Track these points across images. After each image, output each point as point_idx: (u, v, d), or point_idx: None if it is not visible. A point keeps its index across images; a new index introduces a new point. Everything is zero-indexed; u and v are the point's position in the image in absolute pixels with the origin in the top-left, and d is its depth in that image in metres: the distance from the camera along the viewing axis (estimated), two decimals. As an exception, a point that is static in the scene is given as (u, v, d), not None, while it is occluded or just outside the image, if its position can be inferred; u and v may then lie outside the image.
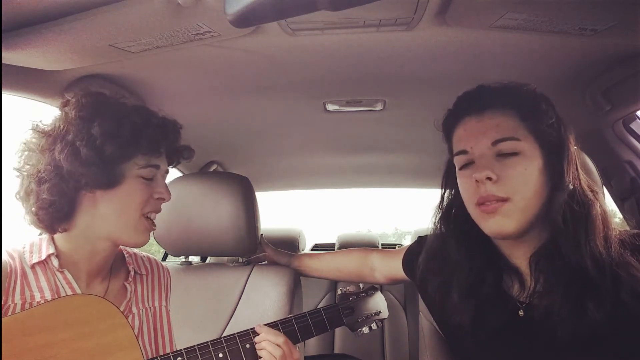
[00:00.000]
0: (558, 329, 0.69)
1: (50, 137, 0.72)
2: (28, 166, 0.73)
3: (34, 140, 0.73)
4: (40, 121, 0.74)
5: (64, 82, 0.94)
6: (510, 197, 0.71)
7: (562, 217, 0.70)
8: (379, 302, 1.04)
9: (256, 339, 0.83)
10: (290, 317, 0.89)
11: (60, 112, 0.75)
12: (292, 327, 0.88)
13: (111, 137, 0.71)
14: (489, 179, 0.71)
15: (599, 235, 0.70)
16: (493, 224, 0.72)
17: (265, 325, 0.86)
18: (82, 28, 0.71)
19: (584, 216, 0.70)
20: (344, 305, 0.98)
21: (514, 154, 0.72)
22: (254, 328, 0.84)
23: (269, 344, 0.82)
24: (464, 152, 0.76)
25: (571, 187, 0.71)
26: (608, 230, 0.71)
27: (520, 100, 0.74)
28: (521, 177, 0.71)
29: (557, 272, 0.71)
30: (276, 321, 0.88)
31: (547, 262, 0.72)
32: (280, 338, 0.83)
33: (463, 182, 0.77)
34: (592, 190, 0.73)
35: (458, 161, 0.78)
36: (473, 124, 0.75)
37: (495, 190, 0.71)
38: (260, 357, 0.82)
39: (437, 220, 0.85)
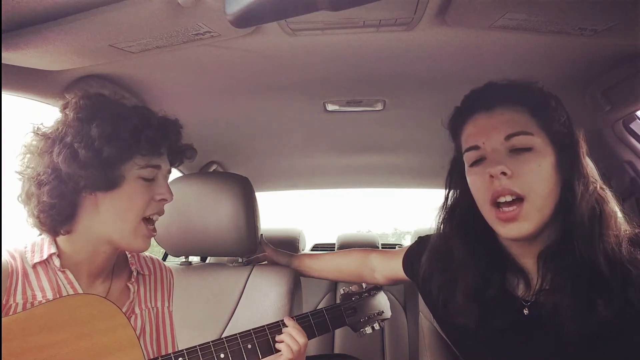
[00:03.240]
0: (565, 327, 0.68)
1: (49, 140, 0.71)
2: (29, 169, 0.72)
3: (34, 143, 0.73)
4: (42, 123, 0.74)
5: (64, 82, 0.94)
6: (526, 196, 0.69)
7: (579, 213, 0.69)
8: (381, 302, 1.04)
9: (284, 330, 0.87)
10: (293, 317, 0.89)
11: (60, 114, 0.75)
12: None
13: (109, 139, 0.71)
14: (504, 173, 0.70)
15: (612, 232, 0.69)
16: (512, 229, 0.71)
17: (267, 325, 0.86)
18: (82, 28, 0.71)
19: (598, 212, 0.70)
20: (346, 306, 0.98)
21: (527, 149, 0.71)
22: (256, 328, 0.84)
23: (291, 339, 0.85)
24: (475, 147, 0.74)
25: (588, 185, 0.71)
26: (618, 229, 0.71)
27: (530, 96, 0.74)
28: (536, 174, 0.70)
29: (566, 270, 0.70)
30: (278, 321, 0.88)
31: (555, 259, 0.72)
32: (302, 338, 0.86)
33: (475, 179, 0.75)
34: (602, 188, 0.73)
35: (469, 158, 0.76)
36: (484, 120, 0.74)
37: (510, 184, 0.69)
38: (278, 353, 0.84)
39: (440, 221, 0.84)
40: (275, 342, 0.85)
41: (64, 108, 0.75)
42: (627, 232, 0.73)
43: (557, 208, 0.72)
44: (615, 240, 0.69)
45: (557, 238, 0.73)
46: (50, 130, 0.73)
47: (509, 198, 0.70)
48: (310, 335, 0.89)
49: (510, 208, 0.70)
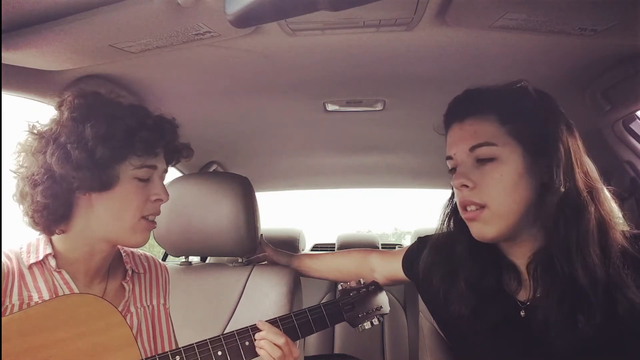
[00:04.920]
0: (555, 337, 0.68)
1: (43, 139, 0.71)
2: (23, 168, 0.72)
3: (28, 141, 0.72)
4: (37, 121, 0.74)
5: (64, 82, 0.94)
6: (487, 204, 0.72)
7: (554, 221, 0.69)
8: (380, 297, 1.03)
9: (256, 336, 0.82)
10: (290, 314, 0.89)
11: (56, 111, 0.74)
12: (291, 324, 0.88)
13: (103, 140, 0.70)
14: (465, 186, 0.73)
15: (592, 243, 0.67)
16: (475, 229, 0.75)
17: (265, 322, 0.85)
18: (82, 28, 0.71)
19: (575, 220, 0.68)
20: (344, 301, 0.98)
21: (491, 159, 0.72)
22: (253, 325, 0.84)
23: (267, 344, 0.82)
24: (449, 157, 0.78)
25: (562, 189, 0.69)
26: (606, 238, 0.69)
27: (501, 103, 0.74)
28: (497, 184, 0.71)
29: (552, 280, 0.70)
30: (275, 318, 0.87)
31: (544, 268, 0.72)
32: (280, 339, 0.82)
33: (453, 185, 0.79)
34: (589, 192, 0.70)
35: (449, 165, 0.80)
36: (456, 131, 0.77)
37: (471, 196, 0.73)
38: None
39: (444, 215, 0.86)
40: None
41: (59, 106, 0.74)
42: (623, 238, 0.70)
43: (532, 212, 0.72)
44: (598, 252, 0.67)
45: (543, 244, 0.73)
46: (45, 129, 0.72)
47: (473, 207, 0.74)
48: (308, 331, 0.89)
49: (473, 210, 0.74)
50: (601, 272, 0.67)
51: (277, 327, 0.86)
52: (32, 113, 0.77)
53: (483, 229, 0.74)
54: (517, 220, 0.72)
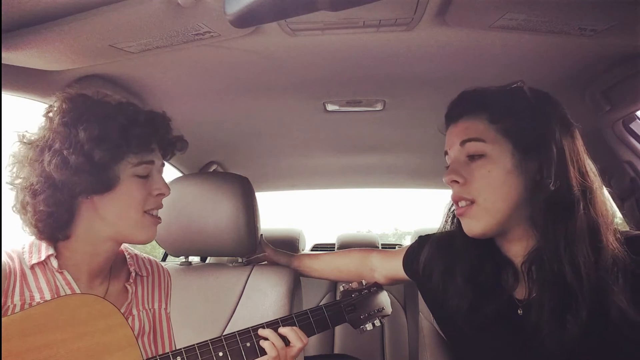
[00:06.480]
0: (546, 336, 0.69)
1: (37, 148, 0.70)
2: (20, 179, 0.72)
3: (21, 152, 0.72)
4: (26, 131, 0.73)
5: (64, 82, 0.94)
6: (475, 199, 0.74)
7: (543, 219, 0.70)
8: (382, 299, 1.04)
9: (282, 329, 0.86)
10: (292, 315, 0.89)
11: (44, 118, 0.74)
12: (293, 325, 0.88)
13: (99, 141, 0.70)
14: (456, 182, 0.75)
15: (581, 242, 0.68)
16: (464, 224, 0.77)
17: (266, 323, 0.86)
18: (82, 28, 0.71)
19: (564, 219, 0.69)
20: (346, 302, 0.98)
21: (480, 156, 0.74)
22: (254, 326, 0.84)
23: (295, 335, 0.85)
24: (445, 153, 0.81)
25: (552, 187, 0.69)
26: (598, 239, 0.68)
27: (492, 103, 0.76)
28: (484, 180, 0.73)
29: (545, 281, 0.70)
30: (277, 319, 0.87)
31: (537, 267, 0.72)
32: (299, 342, 0.86)
33: (444, 181, 0.80)
34: (582, 192, 0.70)
35: (446, 162, 0.82)
36: (452, 130, 0.80)
37: (461, 192, 0.75)
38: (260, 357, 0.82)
39: (448, 212, 0.87)
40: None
41: (47, 113, 0.74)
42: (611, 243, 0.69)
43: (522, 210, 0.72)
44: (586, 252, 0.67)
45: (536, 243, 0.73)
46: (36, 138, 0.72)
47: (463, 203, 0.76)
48: (310, 332, 0.89)
49: (463, 206, 0.76)
50: (590, 272, 0.67)
51: (278, 327, 0.86)
52: (16, 124, 0.76)
53: (471, 224, 0.76)
54: (504, 217, 0.73)
